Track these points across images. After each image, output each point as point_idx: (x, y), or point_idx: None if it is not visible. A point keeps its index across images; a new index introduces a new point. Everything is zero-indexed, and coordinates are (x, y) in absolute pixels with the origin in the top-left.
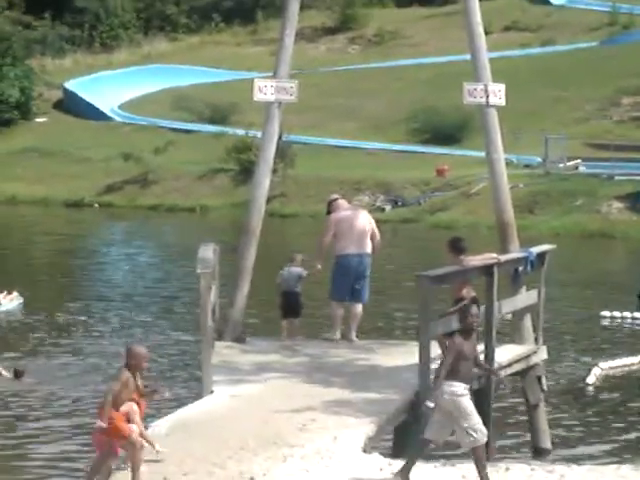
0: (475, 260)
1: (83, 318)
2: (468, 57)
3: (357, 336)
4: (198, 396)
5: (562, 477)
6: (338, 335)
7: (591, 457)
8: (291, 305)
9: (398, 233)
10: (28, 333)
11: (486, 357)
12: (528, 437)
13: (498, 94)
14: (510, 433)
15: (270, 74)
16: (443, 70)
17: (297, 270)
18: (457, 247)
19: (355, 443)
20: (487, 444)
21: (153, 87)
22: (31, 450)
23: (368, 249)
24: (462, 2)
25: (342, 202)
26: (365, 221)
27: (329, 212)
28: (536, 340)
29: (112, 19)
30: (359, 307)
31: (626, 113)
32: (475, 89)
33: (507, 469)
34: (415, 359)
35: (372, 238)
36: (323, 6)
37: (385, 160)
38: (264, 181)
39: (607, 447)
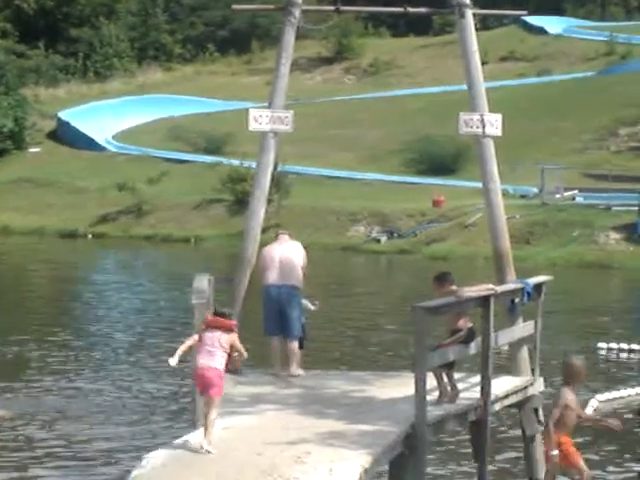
0: (471, 291)
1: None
2: (464, 87)
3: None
4: (193, 427)
5: None
6: (278, 370)
7: None
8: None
9: (393, 264)
10: None
11: (482, 388)
12: (524, 468)
13: (494, 124)
14: (506, 464)
15: (265, 104)
16: (438, 100)
17: (303, 302)
18: (444, 279)
19: (351, 475)
20: (482, 475)
21: (147, 117)
22: None
23: (291, 281)
24: (458, 32)
25: (281, 237)
26: (293, 253)
27: None
28: (533, 371)
29: (106, 48)
30: (290, 343)
31: (623, 143)
32: (471, 119)
33: None
34: (411, 390)
35: (303, 270)
36: (319, 36)
37: (381, 191)
38: (259, 211)
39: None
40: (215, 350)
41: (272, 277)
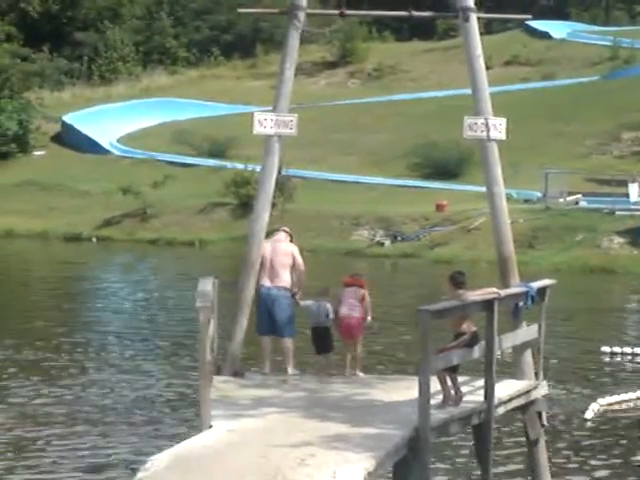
0: (475, 295)
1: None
2: (468, 91)
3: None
4: (197, 430)
5: None
6: (267, 369)
7: None
8: (323, 340)
9: (397, 268)
10: None
11: (486, 392)
12: (528, 471)
13: (499, 128)
14: (510, 468)
15: (269, 108)
16: (443, 104)
17: (327, 306)
18: (455, 281)
19: (355, 478)
20: (486, 478)
21: (152, 121)
22: None
23: (282, 283)
24: (462, 36)
25: (279, 235)
26: (283, 255)
27: None
28: (536, 375)
29: (111, 52)
30: (284, 341)
31: (627, 148)
32: (476, 123)
33: None
34: (415, 394)
35: (296, 271)
36: (323, 40)
37: (385, 195)
38: (263, 215)
39: None
40: (354, 302)
41: (263, 278)
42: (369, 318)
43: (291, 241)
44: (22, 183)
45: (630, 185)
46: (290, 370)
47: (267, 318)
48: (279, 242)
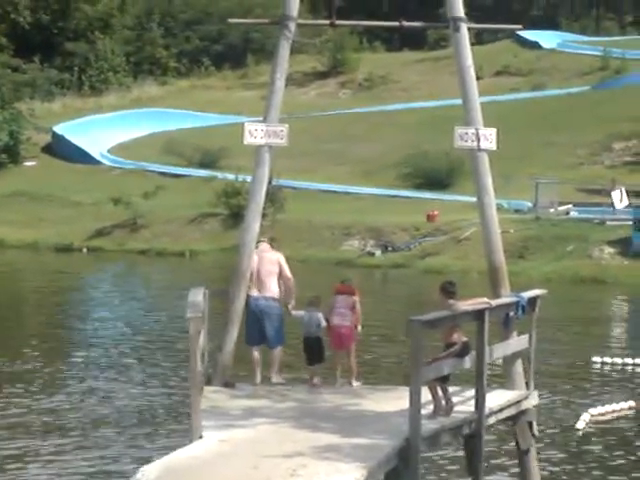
0: (466, 305)
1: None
2: (458, 101)
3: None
4: (187, 441)
5: None
6: (257, 379)
7: None
8: (314, 351)
9: (388, 278)
10: None
11: (477, 402)
12: None
13: (489, 138)
14: (501, 478)
15: (260, 118)
16: (433, 114)
17: (318, 316)
18: (446, 291)
19: None
20: None
21: (142, 131)
22: None
23: (270, 293)
24: (452, 46)
25: (262, 246)
26: (270, 265)
27: None
28: (527, 385)
29: (101, 63)
30: (274, 350)
31: (618, 158)
32: (466, 133)
33: None
34: (405, 404)
35: (284, 280)
36: (314, 51)
37: (375, 205)
38: (254, 225)
39: None
40: (345, 311)
41: (251, 288)
42: (359, 328)
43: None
44: (13, 194)
45: (613, 193)
46: (274, 378)
47: (256, 328)
48: (265, 252)
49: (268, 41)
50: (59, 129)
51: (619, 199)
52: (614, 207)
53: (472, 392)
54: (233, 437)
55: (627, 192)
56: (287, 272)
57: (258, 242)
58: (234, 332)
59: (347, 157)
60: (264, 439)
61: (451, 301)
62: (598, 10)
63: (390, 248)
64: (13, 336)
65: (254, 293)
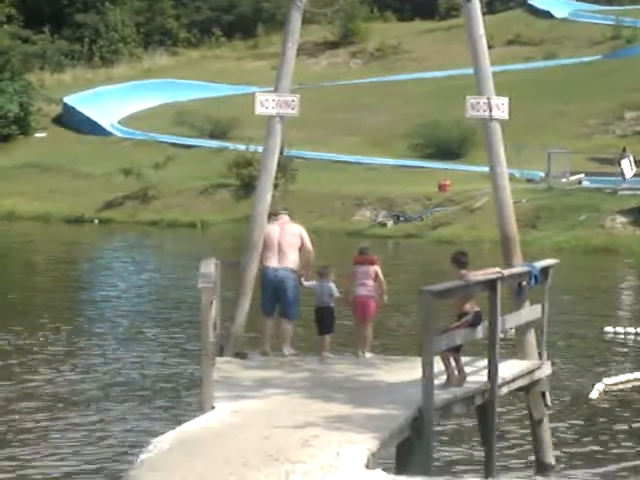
0: (478, 275)
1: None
2: (470, 71)
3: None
4: (199, 412)
5: None
6: (267, 348)
7: (594, 474)
8: (325, 321)
9: (399, 248)
10: None
11: (489, 372)
12: (532, 452)
13: (501, 107)
14: (514, 448)
15: (271, 88)
16: (445, 84)
17: (330, 286)
18: (458, 261)
19: (358, 459)
20: (490, 458)
21: (153, 102)
22: None
23: (289, 264)
24: (464, 16)
25: (283, 217)
26: (291, 236)
27: None
28: (540, 355)
29: (112, 34)
30: (285, 321)
31: (629, 127)
32: (478, 102)
33: None
34: (418, 374)
35: (305, 252)
36: (324, 21)
37: (387, 175)
38: (266, 196)
39: (609, 462)
40: (367, 282)
41: (270, 259)
42: (385, 297)
43: None
44: (23, 165)
45: (622, 162)
46: (285, 350)
47: (273, 299)
48: (286, 223)
49: (279, 11)
50: (69, 100)
51: (629, 167)
52: (624, 176)
53: (485, 362)
54: (245, 408)
55: (636, 161)
56: (308, 245)
57: (279, 214)
58: (245, 303)
59: (358, 127)
60: (276, 410)
61: (463, 271)
62: None
63: (402, 218)
64: (28, 308)
65: (273, 264)
